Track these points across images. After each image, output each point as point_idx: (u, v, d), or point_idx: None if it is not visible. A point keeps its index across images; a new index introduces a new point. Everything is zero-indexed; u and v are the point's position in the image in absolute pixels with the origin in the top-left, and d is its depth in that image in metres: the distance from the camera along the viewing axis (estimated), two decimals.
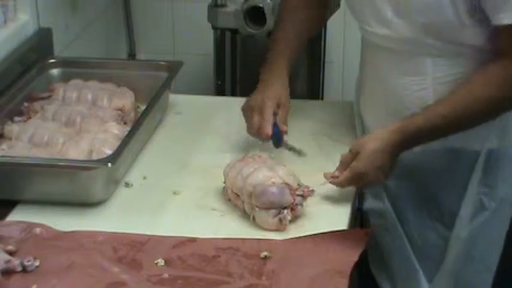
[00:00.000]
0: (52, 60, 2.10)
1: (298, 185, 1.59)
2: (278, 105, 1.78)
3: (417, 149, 1.66)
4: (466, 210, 1.72)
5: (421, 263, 1.78)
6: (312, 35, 1.98)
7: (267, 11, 2.45)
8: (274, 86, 1.80)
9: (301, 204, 1.58)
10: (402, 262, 1.79)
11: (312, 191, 1.59)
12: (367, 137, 1.67)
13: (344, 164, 1.64)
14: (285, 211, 1.56)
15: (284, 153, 1.77)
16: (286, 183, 1.57)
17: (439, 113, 1.61)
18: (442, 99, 1.62)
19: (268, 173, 1.58)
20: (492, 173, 1.70)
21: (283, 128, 1.77)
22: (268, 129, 1.74)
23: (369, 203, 1.82)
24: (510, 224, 1.72)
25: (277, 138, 1.77)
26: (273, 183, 1.56)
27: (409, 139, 1.62)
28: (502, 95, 1.59)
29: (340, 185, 1.64)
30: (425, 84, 1.68)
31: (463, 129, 1.64)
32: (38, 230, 1.56)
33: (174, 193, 1.70)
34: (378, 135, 1.63)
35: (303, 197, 1.58)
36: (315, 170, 1.70)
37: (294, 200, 1.57)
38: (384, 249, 1.82)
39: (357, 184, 1.65)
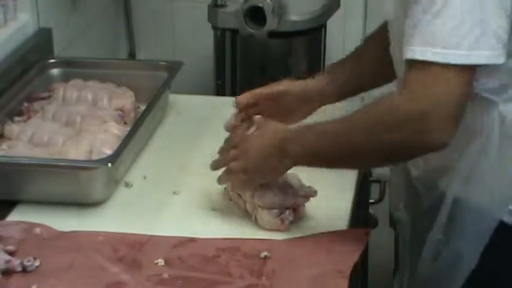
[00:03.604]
0: (52, 60, 2.10)
1: (301, 185, 1.59)
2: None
3: None
4: None
5: None
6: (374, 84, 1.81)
7: (267, 11, 2.45)
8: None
9: (304, 205, 1.58)
10: None
11: (315, 191, 1.59)
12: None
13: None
14: (287, 211, 1.56)
15: None
16: (289, 184, 1.57)
17: (326, 127, 1.48)
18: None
19: None
20: None
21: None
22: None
23: None
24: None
25: None
26: (276, 183, 1.56)
27: (292, 142, 1.50)
28: (376, 129, 1.41)
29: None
30: None
31: (346, 160, 1.49)
32: (38, 230, 1.56)
33: (174, 193, 1.70)
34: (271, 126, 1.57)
35: (306, 197, 1.58)
36: (317, 171, 1.70)
37: (297, 200, 1.57)
38: None
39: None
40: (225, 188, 1.66)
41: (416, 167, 1.59)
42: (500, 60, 1.35)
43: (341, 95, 1.80)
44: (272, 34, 2.49)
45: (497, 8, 1.33)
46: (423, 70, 1.35)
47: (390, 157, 1.49)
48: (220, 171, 1.64)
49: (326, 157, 1.50)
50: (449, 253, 1.53)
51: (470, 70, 1.35)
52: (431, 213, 1.54)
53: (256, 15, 2.47)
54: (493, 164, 1.46)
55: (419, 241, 1.58)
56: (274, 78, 2.69)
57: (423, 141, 1.37)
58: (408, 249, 1.68)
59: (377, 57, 1.74)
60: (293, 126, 1.59)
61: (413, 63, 1.36)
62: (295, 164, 1.53)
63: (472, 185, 1.49)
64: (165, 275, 1.45)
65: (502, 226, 1.48)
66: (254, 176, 1.56)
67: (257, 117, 1.62)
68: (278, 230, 1.56)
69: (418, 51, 1.35)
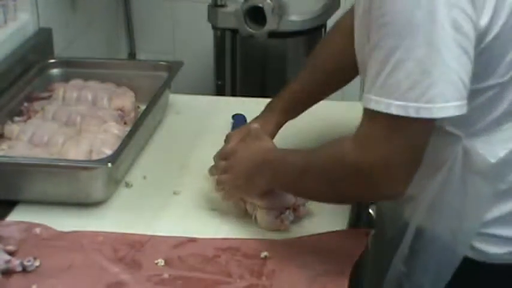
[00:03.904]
0: (52, 60, 2.10)
1: None
2: None
3: None
4: None
5: None
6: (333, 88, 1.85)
7: (267, 11, 2.45)
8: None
9: (304, 205, 1.58)
10: None
11: None
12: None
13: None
14: (287, 211, 1.56)
15: None
16: None
17: (296, 155, 1.47)
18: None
19: None
20: None
21: None
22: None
23: None
24: None
25: None
26: None
27: (268, 164, 1.50)
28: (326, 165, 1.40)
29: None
30: None
31: (307, 196, 1.51)
32: (38, 230, 1.56)
33: (174, 193, 1.70)
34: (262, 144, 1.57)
35: None
36: None
37: (296, 200, 1.57)
38: None
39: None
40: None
41: None
42: (464, 110, 1.27)
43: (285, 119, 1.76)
44: (272, 34, 2.50)
45: (461, 54, 1.25)
46: (382, 121, 1.28)
47: (347, 202, 1.55)
48: None
49: (286, 189, 1.51)
50: (411, 286, 1.51)
51: (431, 122, 1.29)
52: (395, 243, 1.52)
53: (256, 15, 2.47)
54: (455, 197, 1.42)
55: (381, 267, 1.57)
56: (274, 78, 2.68)
57: (376, 193, 1.35)
58: (370, 273, 1.69)
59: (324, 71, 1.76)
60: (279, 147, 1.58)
61: (372, 113, 1.29)
62: (269, 186, 1.53)
63: (435, 216, 1.46)
64: (165, 275, 1.45)
65: (465, 261, 1.45)
66: (246, 188, 1.56)
67: (254, 126, 1.62)
68: (278, 230, 1.56)
69: (381, 102, 1.27)
